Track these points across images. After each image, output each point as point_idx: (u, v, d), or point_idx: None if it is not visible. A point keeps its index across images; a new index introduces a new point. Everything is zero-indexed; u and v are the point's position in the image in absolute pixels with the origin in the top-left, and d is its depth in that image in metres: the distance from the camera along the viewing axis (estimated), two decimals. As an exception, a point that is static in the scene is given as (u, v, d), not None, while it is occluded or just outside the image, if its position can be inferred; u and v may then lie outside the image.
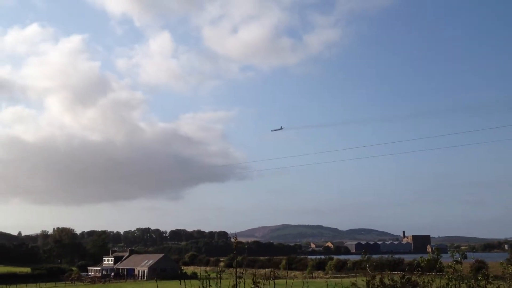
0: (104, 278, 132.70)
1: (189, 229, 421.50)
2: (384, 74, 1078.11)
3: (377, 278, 9.43)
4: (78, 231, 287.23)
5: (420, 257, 10.54)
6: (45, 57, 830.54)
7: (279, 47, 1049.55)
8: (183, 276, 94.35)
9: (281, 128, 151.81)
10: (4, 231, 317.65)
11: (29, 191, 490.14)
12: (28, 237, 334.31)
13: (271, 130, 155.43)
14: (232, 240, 8.60)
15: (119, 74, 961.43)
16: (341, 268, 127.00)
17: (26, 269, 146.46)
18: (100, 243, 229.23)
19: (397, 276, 9.72)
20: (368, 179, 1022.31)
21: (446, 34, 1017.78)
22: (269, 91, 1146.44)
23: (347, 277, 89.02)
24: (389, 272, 9.76)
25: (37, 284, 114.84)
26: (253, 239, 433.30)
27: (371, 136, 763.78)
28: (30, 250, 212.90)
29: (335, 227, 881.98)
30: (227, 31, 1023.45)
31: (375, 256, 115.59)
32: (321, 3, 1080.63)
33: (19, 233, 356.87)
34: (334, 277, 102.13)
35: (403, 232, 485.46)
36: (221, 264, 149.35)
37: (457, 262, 10.13)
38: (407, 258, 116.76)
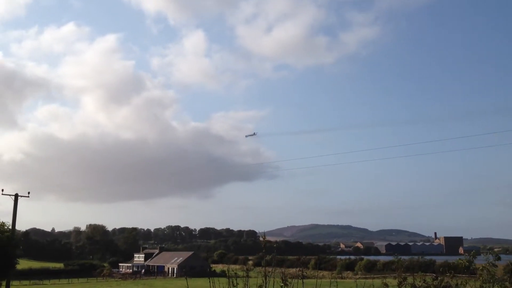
0: (135, 274, 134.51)
1: (218, 227, 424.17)
2: (421, 73, 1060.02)
3: (409, 279, 9.23)
4: (109, 228, 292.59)
5: (459, 259, 10.30)
6: (80, 56, 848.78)
7: (314, 46, 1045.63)
8: (212, 274, 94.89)
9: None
10: (38, 227, 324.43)
11: (63, 188, 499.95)
12: (61, 233, 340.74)
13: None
14: (261, 239, 8.55)
15: (153, 73, 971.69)
16: (371, 269, 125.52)
17: (59, 265, 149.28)
18: (131, 240, 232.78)
19: (429, 278, 9.50)
20: (399, 179, 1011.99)
21: (485, 33, 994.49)
22: (302, 90, 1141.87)
23: (377, 278, 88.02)
24: (421, 274, 9.56)
25: (70, 279, 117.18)
26: (282, 239, 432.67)
27: (404, 136, 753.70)
28: (63, 246, 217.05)
29: (365, 227, 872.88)
30: (261, 29, 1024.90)
31: (405, 258, 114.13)
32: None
33: (53, 229, 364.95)
34: (363, 278, 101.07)
35: (435, 233, 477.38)
36: (250, 262, 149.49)
37: (491, 264, 9.85)
38: (439, 259, 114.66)
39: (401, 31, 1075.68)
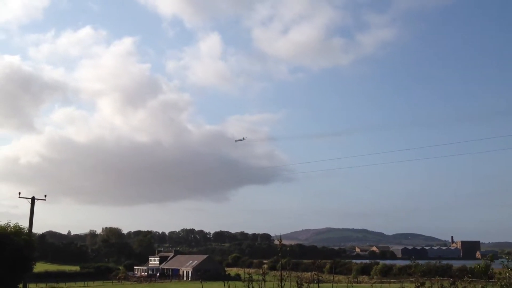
0: (150, 277, 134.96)
1: (233, 230, 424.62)
2: (439, 75, 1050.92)
3: (426, 284, 9.11)
4: (124, 231, 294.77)
5: (476, 264, 10.16)
6: (97, 60, 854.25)
7: (330, 47, 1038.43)
8: (227, 278, 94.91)
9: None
10: (55, 230, 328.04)
11: (79, 191, 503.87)
12: (77, 236, 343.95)
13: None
14: (276, 242, 8.50)
15: (168, 76, 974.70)
16: (387, 273, 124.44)
17: (75, 267, 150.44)
18: (146, 243, 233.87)
19: (446, 283, 9.38)
20: (415, 183, 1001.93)
21: (509, 34, 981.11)
22: (318, 92, 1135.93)
23: (393, 282, 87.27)
24: (438, 278, 9.43)
25: (86, 282, 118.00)
26: (296, 242, 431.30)
27: (421, 138, 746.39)
28: (79, 249, 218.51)
29: (380, 231, 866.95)
30: (277, 31, 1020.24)
31: (422, 262, 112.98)
32: (377, 1, 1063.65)
33: (69, 232, 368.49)
34: (379, 282, 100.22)
35: (452, 237, 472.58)
36: (265, 266, 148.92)
37: (508, 268, 9.70)
38: (456, 264, 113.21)
39: (419, 33, 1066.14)
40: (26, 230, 38.61)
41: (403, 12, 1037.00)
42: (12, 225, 36.81)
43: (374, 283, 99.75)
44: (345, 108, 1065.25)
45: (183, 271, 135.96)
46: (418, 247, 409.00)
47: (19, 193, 46.51)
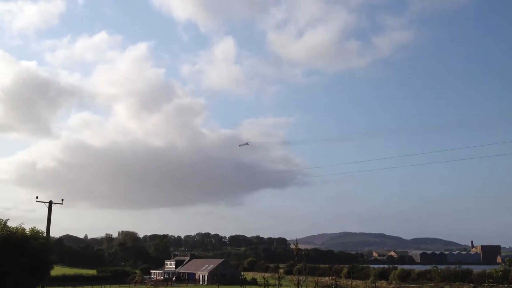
0: (167, 281, 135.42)
1: (248, 234, 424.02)
2: (457, 77, 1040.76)
3: (447, 289, 8.88)
4: (140, 234, 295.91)
5: (493, 268, 9.89)
6: (112, 65, 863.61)
7: (345, 50, 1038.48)
8: (243, 282, 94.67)
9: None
10: (71, 234, 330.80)
11: (95, 195, 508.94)
12: (94, 240, 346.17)
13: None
14: (292, 246, 8.37)
15: (183, 80, 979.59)
16: (405, 278, 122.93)
17: (92, 271, 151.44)
18: (162, 247, 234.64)
19: (467, 287, 9.14)
20: (434, 187, 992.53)
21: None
22: (332, 96, 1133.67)
23: (412, 287, 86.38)
24: (458, 283, 9.18)
25: (102, 286, 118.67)
26: (312, 247, 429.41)
27: (439, 141, 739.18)
28: (95, 252, 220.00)
29: (398, 235, 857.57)
30: (292, 35, 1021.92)
31: (441, 267, 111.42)
32: (392, 3, 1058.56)
33: (85, 236, 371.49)
34: (398, 287, 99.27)
35: (471, 241, 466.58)
36: (281, 270, 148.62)
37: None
38: (476, 269, 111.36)
39: (436, 35, 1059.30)
40: (43, 234, 38.93)
41: (419, 14, 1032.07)
42: (25, 227, 37.12)
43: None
44: (361, 111, 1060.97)
45: (199, 275, 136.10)
46: (437, 252, 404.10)
47: (37, 197, 46.98)
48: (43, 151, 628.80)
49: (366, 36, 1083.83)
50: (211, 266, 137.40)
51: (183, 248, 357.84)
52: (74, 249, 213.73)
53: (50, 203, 46.42)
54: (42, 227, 40.83)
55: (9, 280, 32.76)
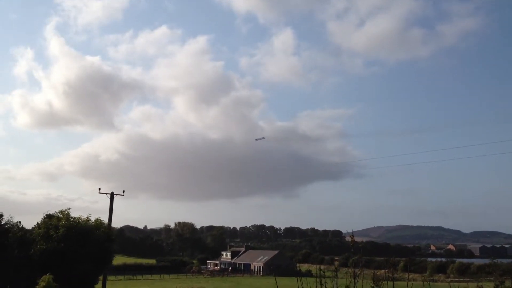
0: (223, 272, 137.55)
1: (303, 227, 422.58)
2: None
3: (506, 283, 8.73)
4: (197, 226, 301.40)
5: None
6: (172, 58, 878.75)
7: (408, 39, 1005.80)
8: (299, 273, 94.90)
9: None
10: (132, 224, 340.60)
11: (155, 187, 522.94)
12: (153, 230, 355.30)
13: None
14: (348, 238, 8.46)
15: (241, 73, 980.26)
16: (464, 272, 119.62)
17: (152, 261, 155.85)
18: (218, 238, 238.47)
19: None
20: (495, 178, 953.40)
21: None
22: (394, 86, 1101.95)
23: (471, 281, 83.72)
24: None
25: (161, 275, 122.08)
26: (368, 239, 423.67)
27: (503, 132, 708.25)
28: (154, 243, 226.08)
29: (457, 229, 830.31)
30: (353, 24, 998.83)
31: (502, 261, 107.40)
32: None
33: (145, 226, 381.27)
34: (457, 281, 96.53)
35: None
36: (336, 263, 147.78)
37: None
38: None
39: (505, 22, 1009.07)
40: (106, 224, 40.47)
41: (487, 0, 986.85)
42: (92, 219, 38.71)
43: (451, 281, 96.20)
44: (423, 102, 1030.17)
45: (255, 266, 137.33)
46: (498, 246, 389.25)
47: (99, 189, 48.67)
48: (106, 144, 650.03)
49: (431, 24, 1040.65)
50: (267, 257, 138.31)
51: (238, 240, 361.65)
52: (134, 239, 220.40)
53: (112, 194, 48.03)
54: (105, 218, 42.44)
55: (74, 268, 34.30)
